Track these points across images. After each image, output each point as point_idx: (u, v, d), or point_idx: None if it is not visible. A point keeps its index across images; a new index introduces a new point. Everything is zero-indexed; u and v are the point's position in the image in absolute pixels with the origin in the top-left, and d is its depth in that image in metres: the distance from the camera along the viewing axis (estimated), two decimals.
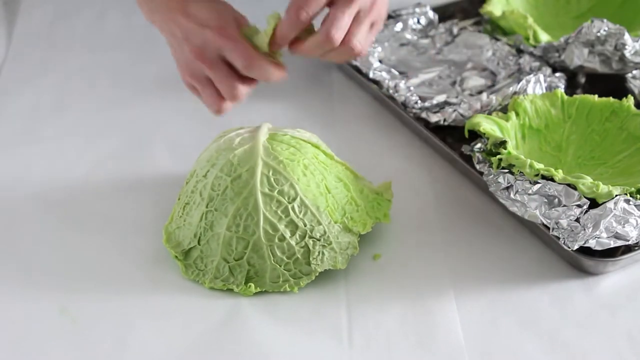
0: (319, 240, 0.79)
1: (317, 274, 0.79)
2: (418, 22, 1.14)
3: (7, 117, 1.05)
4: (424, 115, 0.97)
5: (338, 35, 0.78)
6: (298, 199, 0.79)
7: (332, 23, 0.78)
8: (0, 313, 0.78)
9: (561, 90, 0.95)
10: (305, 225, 0.78)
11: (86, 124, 1.04)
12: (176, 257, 0.82)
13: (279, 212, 0.78)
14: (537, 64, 1.02)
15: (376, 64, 1.05)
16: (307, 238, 0.78)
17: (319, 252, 0.78)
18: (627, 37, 0.98)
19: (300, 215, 0.79)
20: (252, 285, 0.79)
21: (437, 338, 0.75)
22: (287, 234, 0.78)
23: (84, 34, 1.21)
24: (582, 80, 1.04)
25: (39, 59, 1.16)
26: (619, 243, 0.78)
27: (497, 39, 1.08)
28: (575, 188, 0.80)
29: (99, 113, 1.05)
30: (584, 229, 0.78)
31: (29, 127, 1.03)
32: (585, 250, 0.79)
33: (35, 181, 0.94)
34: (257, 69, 0.80)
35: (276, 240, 0.78)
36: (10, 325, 0.77)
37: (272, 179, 0.78)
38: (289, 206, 0.78)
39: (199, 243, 0.80)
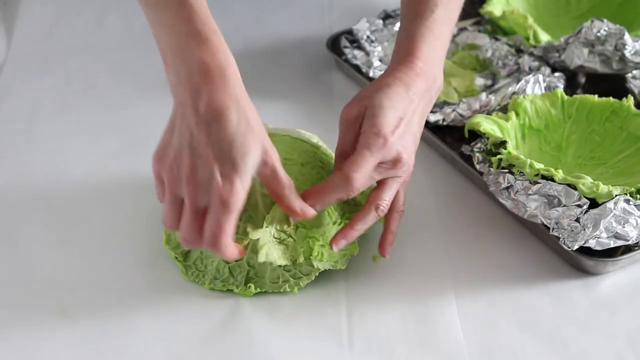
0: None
1: (317, 274, 0.79)
2: None
3: (7, 117, 1.05)
4: None
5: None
6: None
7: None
8: (1, 313, 0.78)
9: (561, 90, 0.95)
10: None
11: (86, 124, 1.03)
12: (176, 258, 0.81)
13: None
14: (536, 63, 1.02)
15: (376, 63, 1.05)
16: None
17: (318, 252, 0.78)
18: (627, 37, 0.98)
19: None
20: (252, 285, 0.78)
21: (437, 338, 0.75)
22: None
23: (84, 34, 1.21)
24: (582, 80, 1.04)
25: (39, 59, 1.15)
26: (619, 243, 0.78)
27: (497, 39, 1.08)
28: (575, 188, 0.80)
29: (99, 113, 1.05)
30: (584, 229, 0.78)
31: (29, 127, 1.03)
32: (585, 250, 0.79)
33: (35, 181, 0.94)
34: (220, 247, 0.69)
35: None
36: (10, 326, 0.77)
37: None
38: None
39: None
